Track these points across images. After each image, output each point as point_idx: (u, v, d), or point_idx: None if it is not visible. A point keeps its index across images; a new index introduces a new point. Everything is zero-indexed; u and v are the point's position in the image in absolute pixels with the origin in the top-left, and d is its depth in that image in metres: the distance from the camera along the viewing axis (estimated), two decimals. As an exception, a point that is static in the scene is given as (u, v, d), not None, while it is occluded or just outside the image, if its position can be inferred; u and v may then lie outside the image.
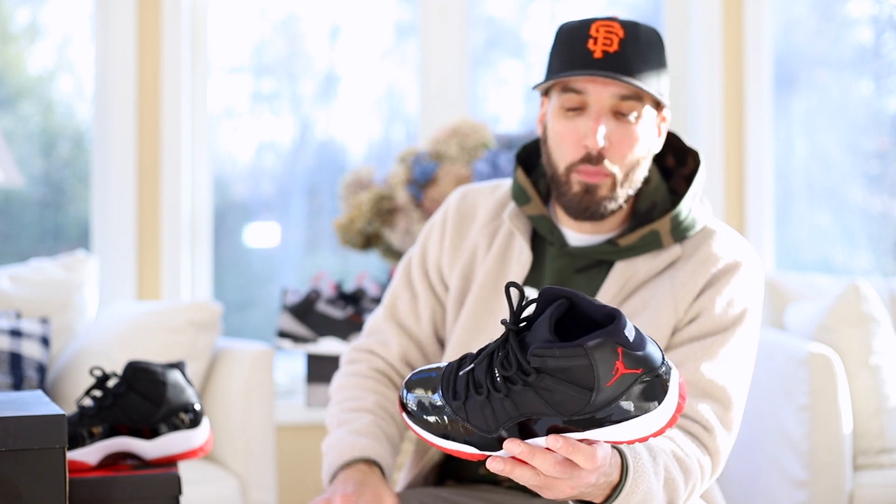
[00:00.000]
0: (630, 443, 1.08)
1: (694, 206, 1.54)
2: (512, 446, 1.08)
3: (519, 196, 1.59)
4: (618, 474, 1.21)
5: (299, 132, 3.53)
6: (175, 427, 1.50)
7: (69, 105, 3.45)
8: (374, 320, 1.71)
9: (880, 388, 2.57)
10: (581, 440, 1.09)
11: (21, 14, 3.40)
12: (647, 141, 1.50)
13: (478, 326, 1.57)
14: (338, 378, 1.68)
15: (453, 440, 1.11)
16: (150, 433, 1.48)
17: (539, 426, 1.08)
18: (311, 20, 3.49)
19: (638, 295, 1.50)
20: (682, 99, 3.43)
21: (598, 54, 1.43)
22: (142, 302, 2.94)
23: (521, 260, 1.57)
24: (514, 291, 1.06)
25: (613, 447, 1.21)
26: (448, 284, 1.64)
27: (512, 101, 3.59)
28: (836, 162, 3.61)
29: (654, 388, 1.06)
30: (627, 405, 1.06)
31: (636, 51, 1.44)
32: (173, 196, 3.15)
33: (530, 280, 1.57)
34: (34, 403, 1.29)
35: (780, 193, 3.50)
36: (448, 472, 1.67)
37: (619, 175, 1.48)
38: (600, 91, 1.45)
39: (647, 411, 1.06)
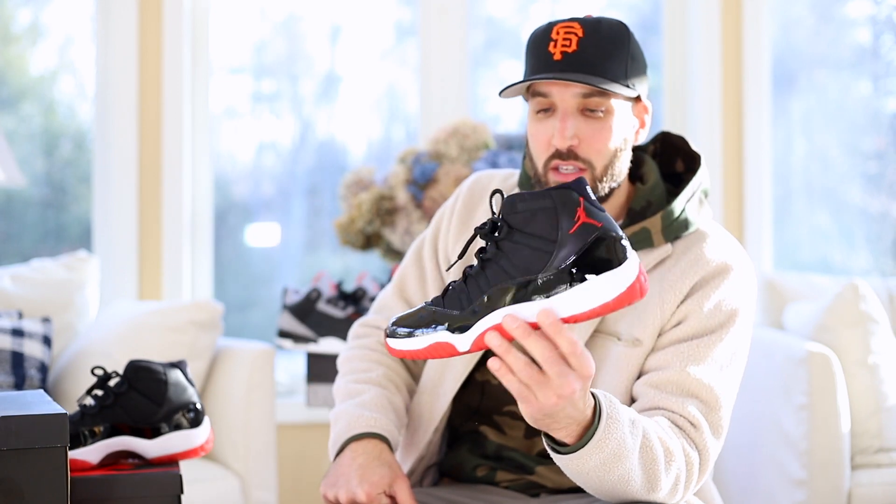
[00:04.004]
0: (590, 315, 1.13)
1: (689, 207, 1.55)
2: (510, 321, 1.13)
3: (524, 184, 1.62)
4: (591, 413, 1.24)
5: (299, 132, 3.54)
6: (176, 426, 1.50)
7: (70, 105, 3.46)
8: (383, 297, 1.74)
9: (878, 388, 2.58)
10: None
11: (22, 15, 3.41)
12: (621, 133, 1.52)
13: None
14: (345, 351, 1.71)
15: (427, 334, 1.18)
16: (152, 432, 1.49)
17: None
18: (311, 20, 3.50)
19: None
20: (681, 99, 3.44)
21: (557, 56, 1.48)
22: (143, 302, 2.95)
23: None
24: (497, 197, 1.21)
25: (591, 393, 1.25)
26: (451, 260, 1.67)
27: (512, 102, 3.59)
28: (835, 162, 3.62)
29: (612, 249, 1.14)
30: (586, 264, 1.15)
31: (597, 47, 1.47)
32: (174, 196, 3.15)
33: None
34: (36, 403, 1.29)
35: (779, 193, 3.50)
36: (445, 472, 1.68)
37: (598, 167, 1.51)
38: (563, 92, 1.48)
39: (604, 270, 1.14)
